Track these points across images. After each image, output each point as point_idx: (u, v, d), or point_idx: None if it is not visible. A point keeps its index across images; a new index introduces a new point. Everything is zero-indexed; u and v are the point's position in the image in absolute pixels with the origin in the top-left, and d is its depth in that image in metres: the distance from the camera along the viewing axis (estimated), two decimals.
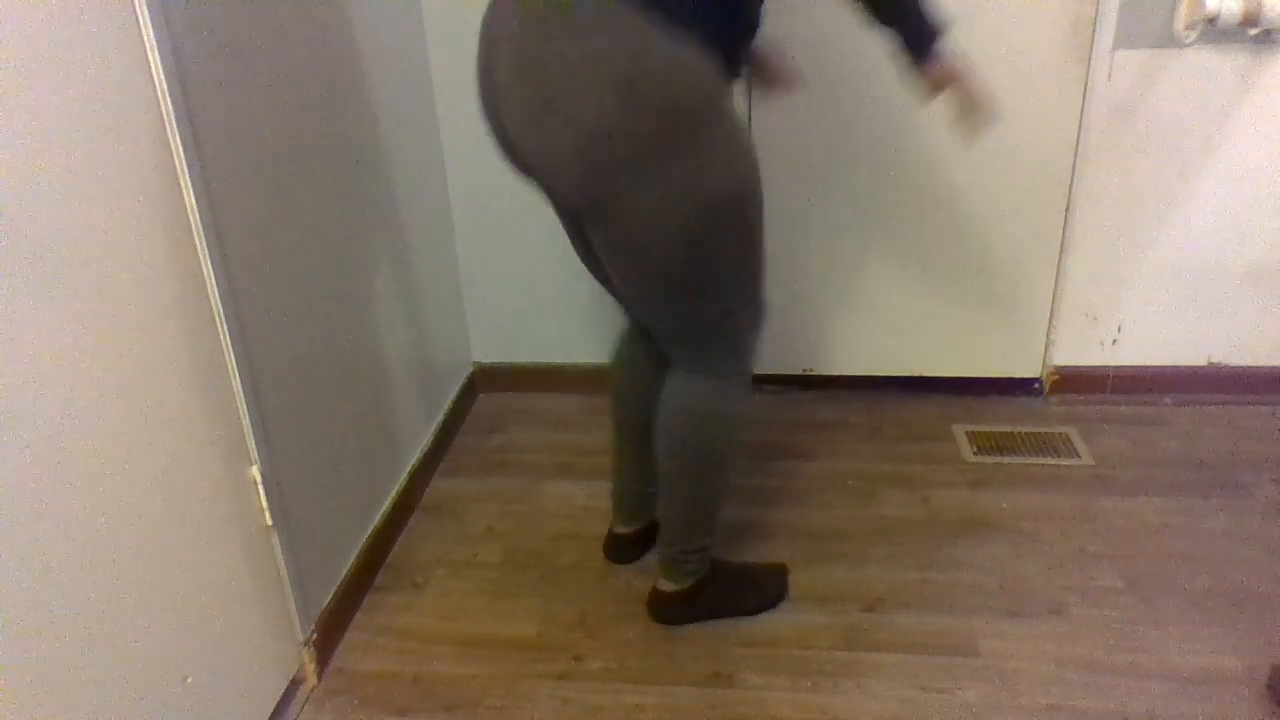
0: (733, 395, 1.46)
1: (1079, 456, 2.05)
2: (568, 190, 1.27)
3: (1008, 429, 2.16)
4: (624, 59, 1.16)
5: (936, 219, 2.13)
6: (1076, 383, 2.26)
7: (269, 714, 1.45)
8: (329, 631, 1.60)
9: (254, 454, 1.38)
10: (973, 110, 1.43)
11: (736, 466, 1.52)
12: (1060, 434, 2.13)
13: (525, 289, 2.33)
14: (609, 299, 2.29)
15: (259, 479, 1.39)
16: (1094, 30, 1.93)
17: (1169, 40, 1.93)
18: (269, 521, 1.42)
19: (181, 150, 1.20)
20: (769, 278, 2.22)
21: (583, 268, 1.97)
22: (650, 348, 1.61)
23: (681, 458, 1.49)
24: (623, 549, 1.79)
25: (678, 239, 1.28)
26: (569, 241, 1.51)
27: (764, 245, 1.38)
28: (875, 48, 1.98)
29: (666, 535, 1.58)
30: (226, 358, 1.32)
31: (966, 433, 2.15)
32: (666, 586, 1.62)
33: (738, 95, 2.02)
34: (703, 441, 1.47)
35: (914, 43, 1.38)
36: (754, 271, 1.38)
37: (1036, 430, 2.15)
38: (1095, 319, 2.20)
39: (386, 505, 1.87)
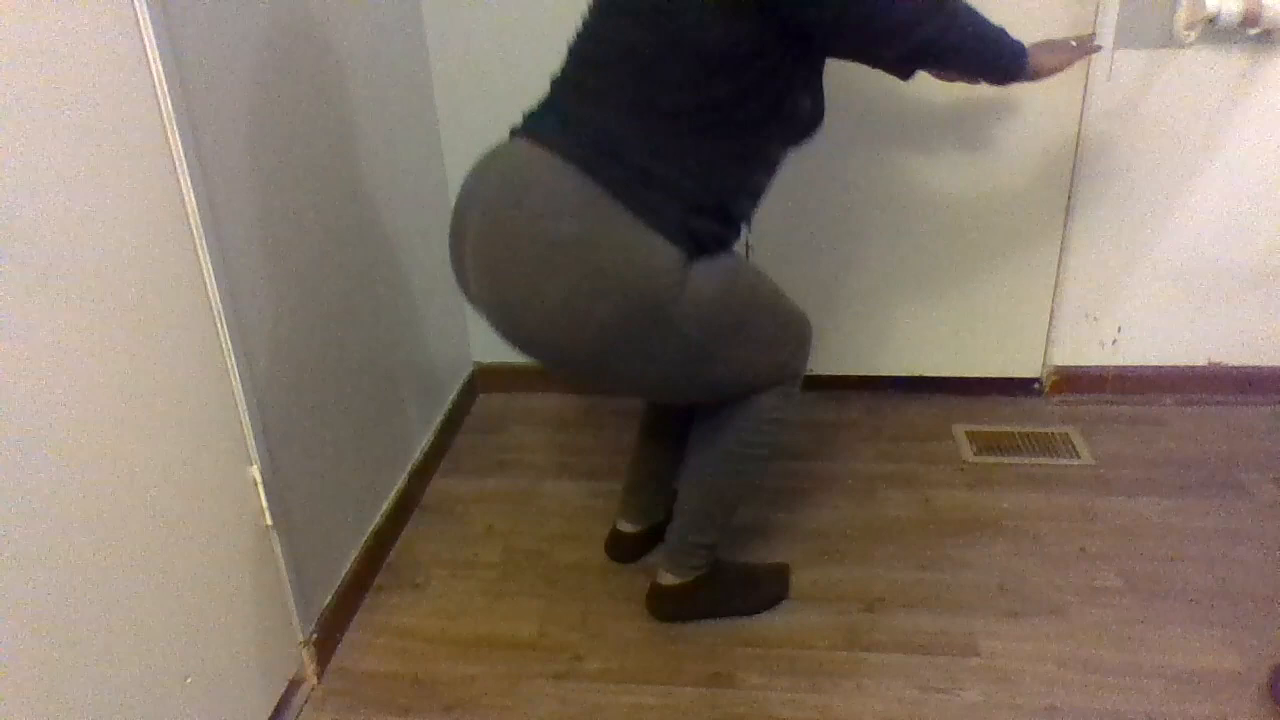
0: (783, 397, 1.45)
1: (1079, 456, 2.05)
2: (537, 356, 1.31)
3: (1008, 429, 2.16)
4: (588, 249, 1.19)
5: (937, 219, 2.14)
6: (1076, 383, 2.26)
7: (269, 714, 1.45)
8: (329, 631, 1.60)
9: (254, 454, 1.38)
10: (1086, 56, 1.46)
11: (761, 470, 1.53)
12: (1060, 434, 2.13)
13: None
14: None
15: (259, 479, 1.39)
16: (1094, 30, 1.93)
17: (1169, 40, 1.93)
18: (269, 521, 1.42)
19: (181, 150, 1.20)
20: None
21: None
22: None
23: (719, 453, 1.49)
24: (625, 548, 1.79)
25: (673, 382, 1.32)
26: None
27: (775, 303, 1.38)
28: None
29: (680, 524, 1.58)
30: (226, 358, 1.32)
31: (966, 433, 2.15)
32: (667, 580, 1.62)
33: None
34: (743, 435, 1.47)
35: (1005, 79, 1.40)
36: (776, 335, 1.39)
37: (1036, 430, 2.15)
38: (1095, 319, 2.20)
39: (386, 505, 1.87)
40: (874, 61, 1.32)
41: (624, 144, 1.23)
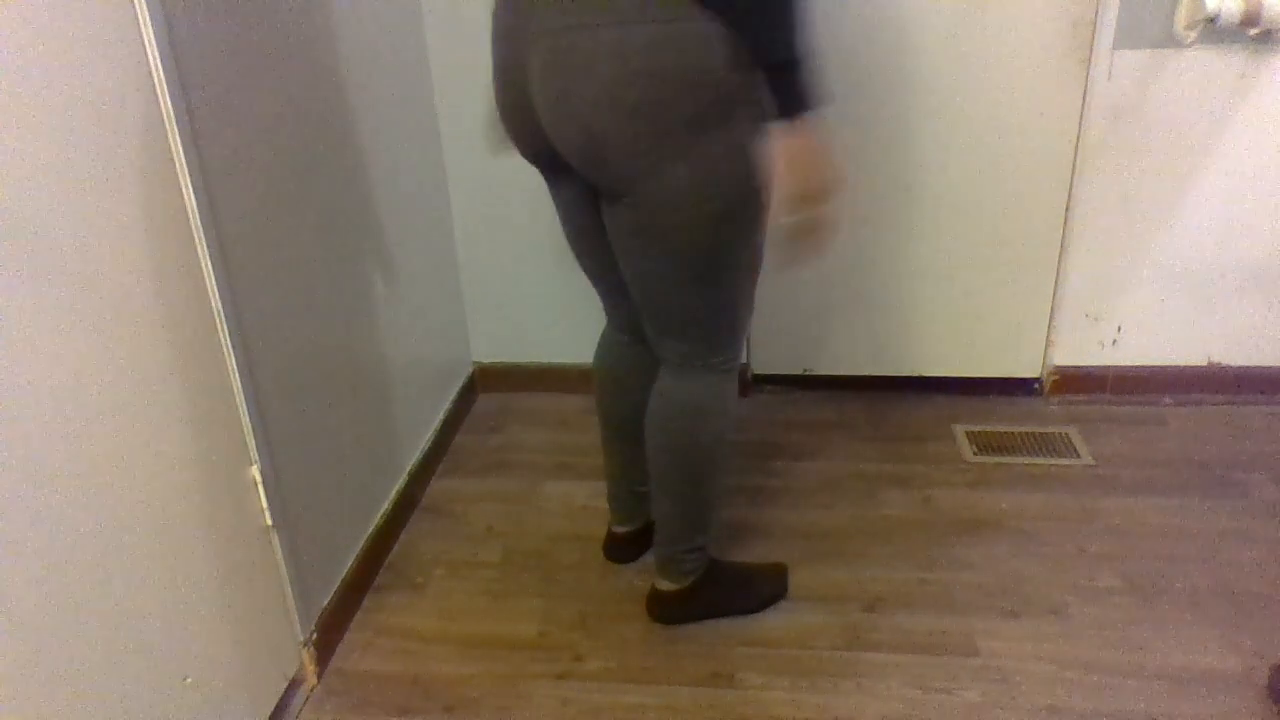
0: (723, 391, 1.46)
1: (1079, 456, 2.05)
2: (599, 169, 1.27)
3: (1008, 429, 2.16)
4: (655, 43, 1.16)
5: (936, 218, 2.13)
6: (1076, 383, 2.26)
7: (269, 714, 1.45)
8: (329, 631, 1.60)
9: (254, 454, 1.38)
10: (809, 223, 1.29)
11: (730, 465, 1.52)
12: (1060, 434, 2.13)
13: (525, 289, 2.33)
14: None
15: (259, 479, 1.39)
16: (1094, 30, 1.93)
17: (1169, 40, 1.93)
18: (269, 521, 1.42)
19: (181, 150, 1.20)
20: (767, 276, 2.23)
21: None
22: (635, 348, 1.60)
23: (674, 456, 1.49)
24: (622, 548, 1.79)
25: (703, 220, 1.28)
26: (565, 237, 1.52)
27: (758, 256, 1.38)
28: (874, 48, 1.98)
29: (662, 535, 1.58)
30: (226, 358, 1.32)
31: (966, 433, 2.15)
32: (665, 586, 1.62)
33: None
34: (695, 439, 1.47)
35: (781, 90, 1.22)
36: (759, 262, 1.39)
37: (1036, 430, 2.15)
38: (1095, 319, 2.20)
39: (386, 505, 1.87)
40: None
41: None
